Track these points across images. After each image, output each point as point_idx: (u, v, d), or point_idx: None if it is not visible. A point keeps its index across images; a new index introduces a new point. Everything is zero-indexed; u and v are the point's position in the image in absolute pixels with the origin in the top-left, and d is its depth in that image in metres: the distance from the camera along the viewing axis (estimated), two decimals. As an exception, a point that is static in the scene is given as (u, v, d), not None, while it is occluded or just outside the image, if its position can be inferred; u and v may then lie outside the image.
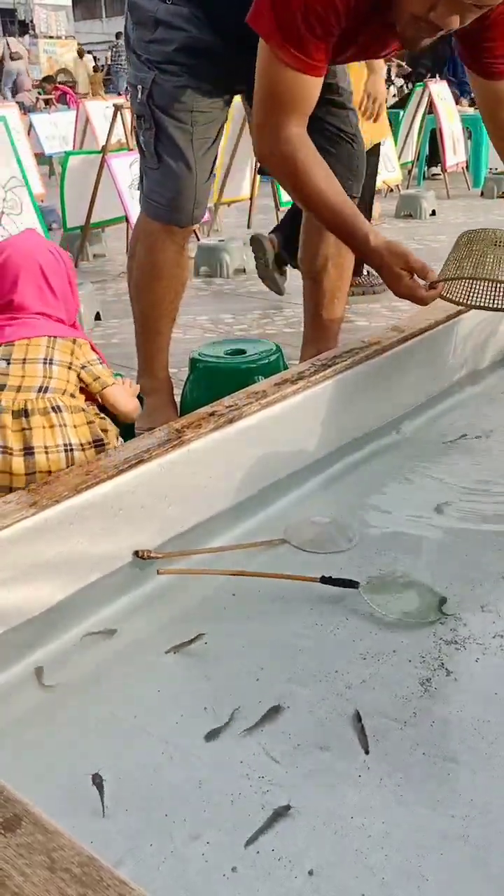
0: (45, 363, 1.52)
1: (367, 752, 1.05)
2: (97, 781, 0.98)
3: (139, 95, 1.88)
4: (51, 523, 1.25)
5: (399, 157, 6.50)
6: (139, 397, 1.76)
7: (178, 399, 2.18)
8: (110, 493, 1.34)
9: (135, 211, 3.99)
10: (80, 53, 16.99)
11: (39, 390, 1.48)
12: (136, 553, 1.39)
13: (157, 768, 1.03)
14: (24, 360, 1.51)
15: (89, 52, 19.35)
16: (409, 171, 7.15)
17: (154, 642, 1.26)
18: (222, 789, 0.99)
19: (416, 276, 1.74)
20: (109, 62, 15.49)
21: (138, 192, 2.11)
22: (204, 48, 1.83)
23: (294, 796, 0.98)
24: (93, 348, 1.63)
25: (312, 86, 1.64)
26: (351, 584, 1.34)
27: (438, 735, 1.08)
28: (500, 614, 1.32)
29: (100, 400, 1.63)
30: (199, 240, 4.63)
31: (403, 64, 8.46)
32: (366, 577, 1.38)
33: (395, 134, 6.35)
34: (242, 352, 2.11)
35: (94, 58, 18.44)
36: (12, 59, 13.79)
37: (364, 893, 0.87)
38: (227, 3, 1.79)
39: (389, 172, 6.03)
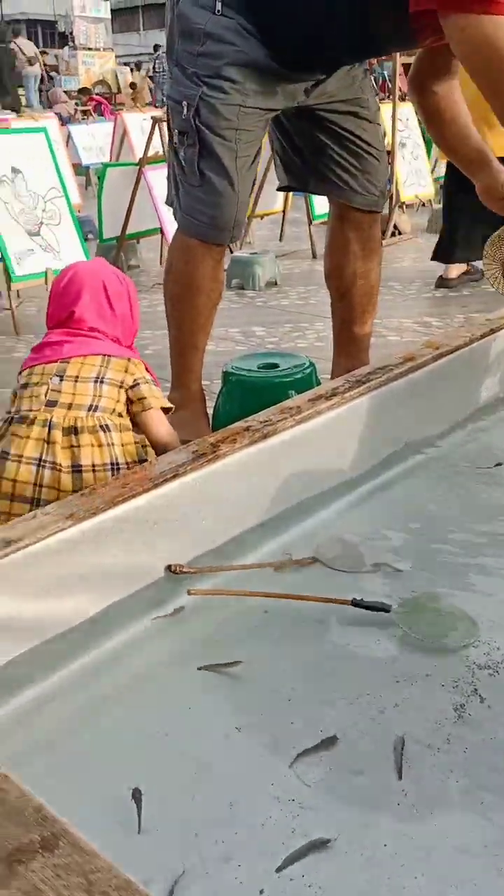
0: (96, 382, 1.53)
1: (399, 778, 1.03)
2: (136, 796, 0.98)
3: (184, 112, 1.87)
4: (87, 535, 1.26)
5: (432, 172, 6.48)
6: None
7: (209, 411, 2.19)
8: (145, 506, 1.34)
9: (169, 223, 4.02)
10: (139, 66, 17.04)
11: (89, 409, 1.50)
12: (168, 568, 1.39)
13: (188, 787, 1.03)
14: (77, 378, 1.53)
15: (126, 63, 19.57)
16: (442, 186, 7.12)
17: (186, 658, 1.26)
18: (253, 812, 0.99)
19: None
20: (151, 73, 15.54)
21: (171, 207, 2.10)
22: (254, 64, 1.81)
23: (326, 822, 0.96)
24: (147, 369, 1.64)
25: None
26: (382, 608, 1.32)
27: (473, 762, 1.06)
28: (535, 640, 1.30)
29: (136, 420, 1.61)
30: (231, 252, 4.65)
31: None
32: (398, 599, 1.36)
33: (427, 148, 6.32)
34: (275, 366, 2.11)
35: (131, 70, 18.63)
36: (30, 63, 13.71)
37: (397, 924, 0.86)
38: (277, 16, 1.78)
39: (422, 187, 6.02)
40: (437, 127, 2.06)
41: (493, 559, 1.54)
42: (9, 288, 3.68)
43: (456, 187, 3.74)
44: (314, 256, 5.10)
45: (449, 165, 3.97)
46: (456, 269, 4.20)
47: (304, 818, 0.97)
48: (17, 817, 0.72)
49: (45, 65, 14.93)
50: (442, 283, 4.19)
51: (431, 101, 2.00)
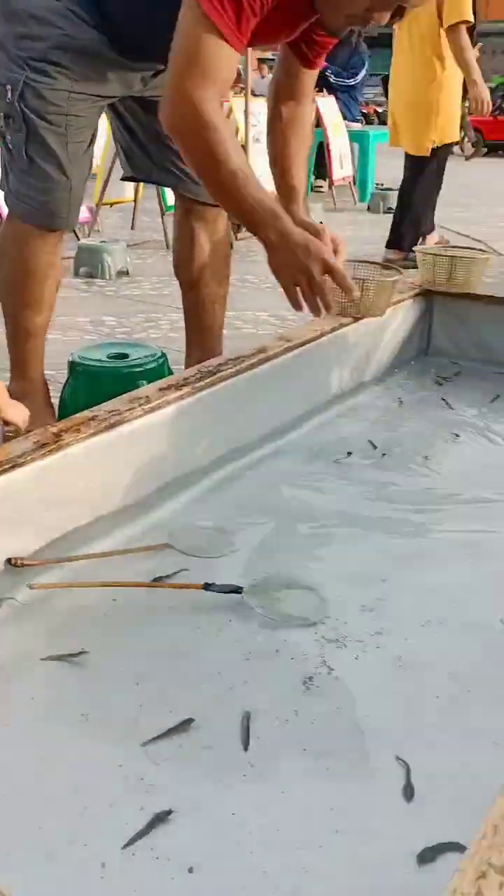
0: None
1: (245, 750, 1.06)
2: None
3: (8, 95, 1.79)
4: None
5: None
6: None
7: (55, 402, 2.14)
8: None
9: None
10: None
11: None
12: (8, 561, 1.35)
13: (31, 778, 1.01)
14: None
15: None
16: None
17: (28, 652, 1.23)
18: (100, 793, 0.98)
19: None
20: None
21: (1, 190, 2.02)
22: (83, 49, 1.76)
23: (175, 797, 0.97)
24: None
25: (235, 61, 1.52)
26: (234, 590, 1.35)
27: (320, 732, 1.10)
28: (379, 613, 1.36)
29: None
30: (79, 239, 4.55)
31: None
32: (250, 581, 1.39)
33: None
34: (125, 356, 2.09)
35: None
36: None
37: (244, 885, 0.88)
38: (112, 2, 1.75)
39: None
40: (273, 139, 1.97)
41: (342, 545, 1.59)
42: None
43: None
44: (167, 247, 5.10)
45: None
46: None
47: (152, 795, 0.98)
48: None
49: None
50: None
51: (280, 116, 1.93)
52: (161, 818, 0.93)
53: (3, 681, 1.18)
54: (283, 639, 1.29)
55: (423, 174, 4.40)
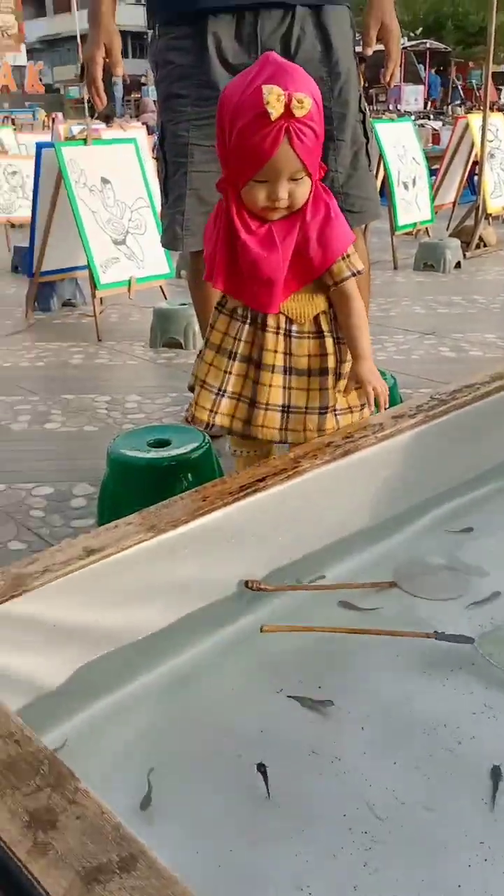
0: None
1: (491, 811, 0.99)
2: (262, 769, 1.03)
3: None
4: (165, 548, 1.26)
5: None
6: None
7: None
8: (225, 519, 1.33)
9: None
10: None
11: None
12: (245, 583, 1.38)
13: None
14: None
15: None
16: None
17: (260, 680, 1.24)
18: (326, 837, 0.96)
19: None
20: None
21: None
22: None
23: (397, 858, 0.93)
24: None
25: None
26: (465, 639, 1.28)
27: None
28: None
29: None
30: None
31: None
32: (479, 629, 1.32)
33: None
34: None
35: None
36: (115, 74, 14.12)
37: None
38: None
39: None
40: None
41: None
42: (94, 295, 3.75)
43: None
44: (395, 267, 5.06)
45: None
46: None
47: (374, 851, 0.94)
48: (95, 835, 0.72)
49: (128, 75, 15.43)
50: None
51: None
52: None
53: (239, 710, 1.19)
54: (518, 693, 1.20)
55: None
